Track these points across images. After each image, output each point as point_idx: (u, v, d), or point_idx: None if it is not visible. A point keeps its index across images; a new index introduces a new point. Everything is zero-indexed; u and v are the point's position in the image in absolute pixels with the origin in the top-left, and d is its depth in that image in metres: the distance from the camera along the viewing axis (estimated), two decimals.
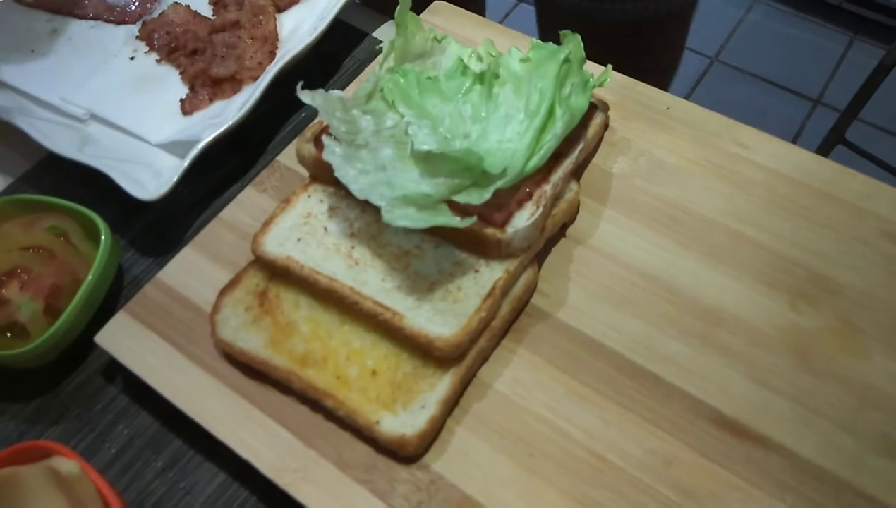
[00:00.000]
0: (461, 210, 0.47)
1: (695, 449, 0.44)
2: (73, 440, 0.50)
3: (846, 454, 0.43)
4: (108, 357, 0.50)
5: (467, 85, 0.52)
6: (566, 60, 0.51)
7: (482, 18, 0.65)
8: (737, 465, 0.43)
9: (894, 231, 0.50)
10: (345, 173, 0.48)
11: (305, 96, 0.50)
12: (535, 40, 0.54)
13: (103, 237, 0.52)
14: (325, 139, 0.49)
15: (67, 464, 0.43)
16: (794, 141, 1.67)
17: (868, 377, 0.45)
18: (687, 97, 1.77)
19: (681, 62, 0.90)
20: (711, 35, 1.93)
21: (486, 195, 0.47)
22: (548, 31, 0.85)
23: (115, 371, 0.52)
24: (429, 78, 0.52)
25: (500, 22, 0.95)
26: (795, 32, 1.94)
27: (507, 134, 0.50)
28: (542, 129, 0.49)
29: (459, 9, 0.65)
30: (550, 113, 0.50)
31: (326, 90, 0.52)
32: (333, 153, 0.48)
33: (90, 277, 0.51)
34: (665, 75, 0.87)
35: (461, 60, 0.54)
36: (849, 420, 0.44)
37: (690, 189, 0.53)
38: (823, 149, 1.33)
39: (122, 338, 0.50)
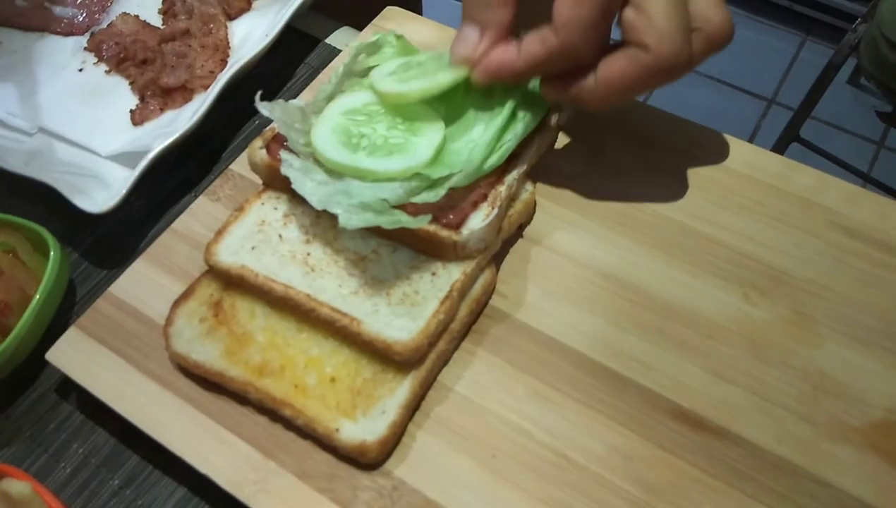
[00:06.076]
0: (417, 210, 0.47)
1: (654, 443, 0.44)
2: (26, 461, 0.48)
3: (802, 441, 0.43)
4: (61, 374, 0.49)
5: None
6: None
7: (434, 22, 0.65)
8: (696, 457, 0.43)
9: (843, 222, 0.51)
10: (302, 186, 0.47)
11: (264, 108, 0.49)
12: None
13: (52, 252, 0.51)
14: (282, 154, 0.49)
15: (18, 486, 0.42)
16: (750, 140, 1.70)
17: (821, 365, 0.46)
18: (646, 100, 1.79)
19: None
20: None
21: (442, 192, 0.47)
22: None
23: (69, 388, 0.51)
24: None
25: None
26: (749, 34, 1.98)
27: (473, 134, 0.50)
28: (504, 129, 0.49)
29: (411, 13, 0.65)
30: (513, 113, 0.50)
31: (281, 98, 0.51)
32: (291, 167, 0.48)
33: (39, 293, 0.50)
34: None
35: None
36: (804, 408, 0.44)
37: (643, 187, 0.54)
38: (779, 147, 1.37)
39: (74, 355, 0.49)
